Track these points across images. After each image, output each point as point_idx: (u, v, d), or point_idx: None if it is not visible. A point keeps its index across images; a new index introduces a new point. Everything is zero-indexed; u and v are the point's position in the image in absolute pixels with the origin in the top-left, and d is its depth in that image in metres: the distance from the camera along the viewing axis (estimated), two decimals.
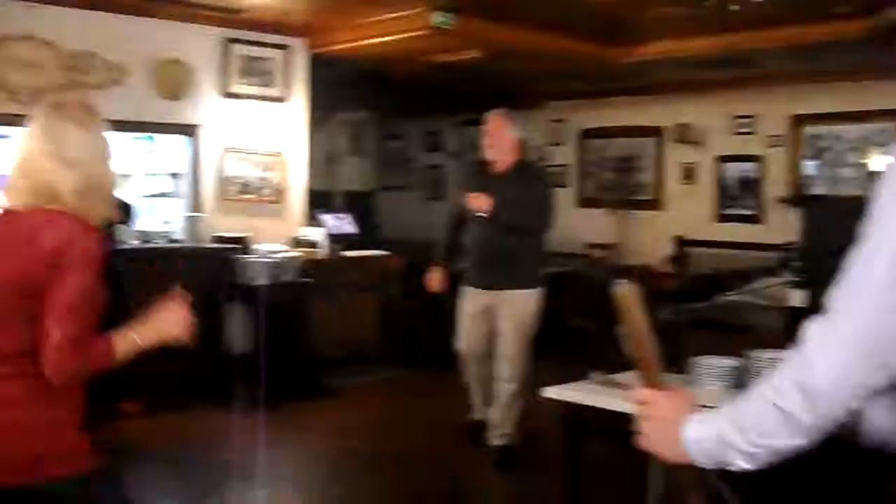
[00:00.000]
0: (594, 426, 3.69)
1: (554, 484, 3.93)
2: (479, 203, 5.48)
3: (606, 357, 4.97)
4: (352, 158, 11.94)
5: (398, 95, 10.36)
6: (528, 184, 5.63)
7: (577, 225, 10.26)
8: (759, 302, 4.20)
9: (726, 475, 1.66)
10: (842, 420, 1.48)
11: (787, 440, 1.51)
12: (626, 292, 1.67)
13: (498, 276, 5.58)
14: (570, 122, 10.60)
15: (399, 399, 7.42)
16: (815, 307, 3.31)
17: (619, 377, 3.80)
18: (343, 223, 8.71)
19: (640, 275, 8.68)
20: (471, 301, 5.74)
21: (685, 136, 9.47)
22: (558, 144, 10.72)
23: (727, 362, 3.67)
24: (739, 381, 3.59)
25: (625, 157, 10.02)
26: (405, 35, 7.26)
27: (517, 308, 5.57)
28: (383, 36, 7.41)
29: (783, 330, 3.77)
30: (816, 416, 1.47)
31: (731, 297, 4.54)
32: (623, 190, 9.87)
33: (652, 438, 1.68)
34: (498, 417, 5.64)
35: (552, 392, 3.74)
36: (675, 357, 4.87)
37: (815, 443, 1.50)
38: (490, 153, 5.68)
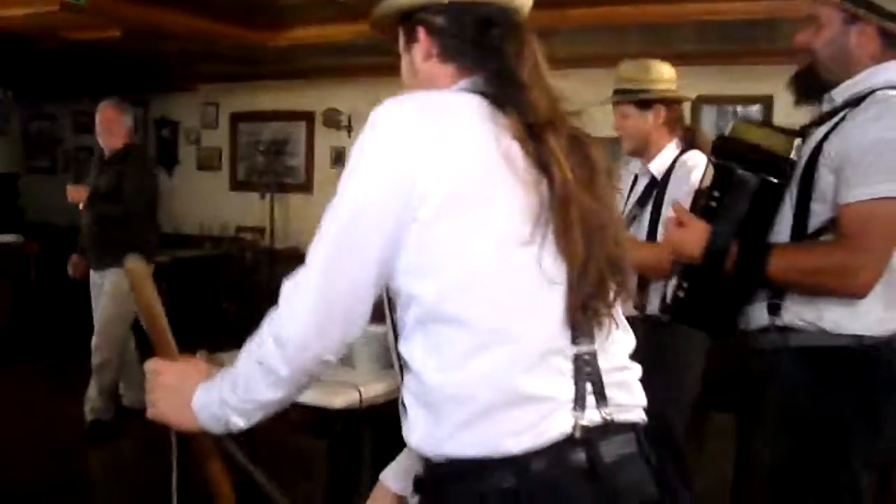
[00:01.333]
0: None
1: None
2: (74, 195, 6.01)
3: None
4: None
5: (44, 74, 9.84)
6: (128, 170, 5.94)
7: (229, 209, 10.25)
8: None
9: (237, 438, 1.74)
10: (315, 371, 1.58)
11: (270, 393, 1.59)
12: (135, 268, 1.72)
13: (100, 256, 5.91)
14: (222, 105, 10.52)
15: (28, 389, 7.13)
16: None
17: (227, 355, 3.85)
18: None
19: (293, 258, 8.80)
20: (91, 282, 6.09)
21: (334, 121, 9.65)
22: (211, 128, 10.62)
23: (381, 329, 3.80)
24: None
25: (276, 140, 10.07)
26: (36, 10, 6.91)
27: (114, 285, 5.84)
28: (12, 8, 7.02)
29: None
30: (291, 366, 1.56)
31: None
32: (275, 174, 9.92)
33: (160, 407, 1.70)
34: (93, 392, 5.98)
35: None
36: None
37: (295, 395, 1.61)
38: (101, 140, 6.04)
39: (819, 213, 2.48)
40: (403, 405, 1.62)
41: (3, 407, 6.49)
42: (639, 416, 1.66)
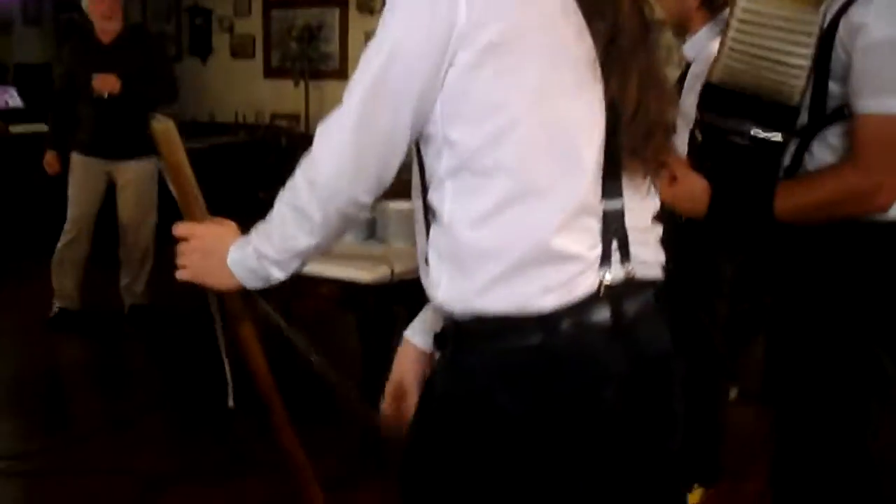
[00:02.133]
0: None
1: None
2: (104, 85, 5.68)
3: None
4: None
5: None
6: (145, 54, 5.83)
7: (264, 96, 10.19)
8: None
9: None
10: (350, 215, 1.57)
11: (306, 240, 1.58)
12: (163, 127, 1.71)
13: (119, 145, 5.82)
14: None
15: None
16: None
17: None
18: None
19: None
20: (86, 170, 5.93)
21: (367, 6, 9.51)
22: (244, 15, 10.50)
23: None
24: (372, 233, 3.77)
25: (310, 26, 9.95)
26: None
27: (146, 172, 5.85)
28: None
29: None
30: (324, 210, 1.54)
31: None
32: (308, 60, 9.83)
33: (196, 269, 1.69)
34: (129, 280, 6.11)
35: None
36: None
37: (331, 241, 1.60)
38: (101, 25, 5.82)
39: (836, 96, 2.31)
40: (426, 261, 1.61)
41: None
42: (658, 273, 1.65)
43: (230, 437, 3.94)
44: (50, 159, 6.06)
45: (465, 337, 1.57)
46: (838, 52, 2.25)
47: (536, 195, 1.50)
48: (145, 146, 5.61)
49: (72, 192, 5.99)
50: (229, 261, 1.65)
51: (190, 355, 5.05)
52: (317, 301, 3.78)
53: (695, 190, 2.38)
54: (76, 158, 6.00)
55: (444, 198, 1.54)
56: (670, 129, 1.62)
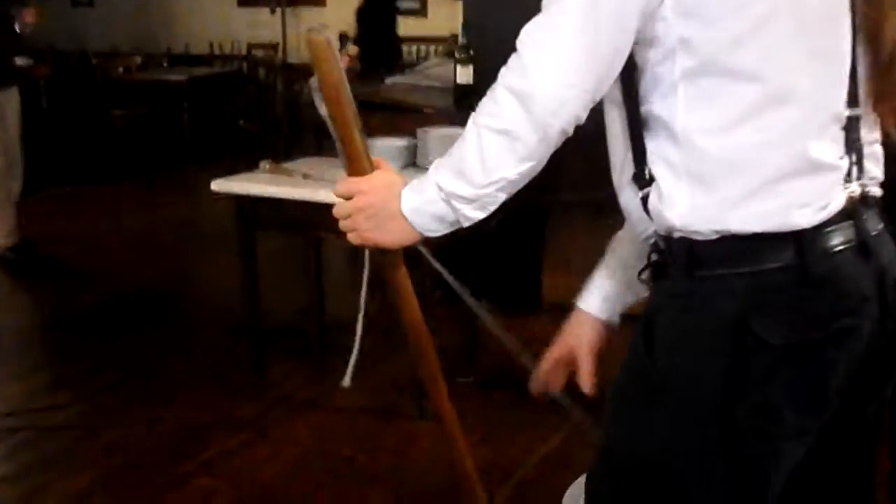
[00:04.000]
0: (267, 217, 3.55)
1: None
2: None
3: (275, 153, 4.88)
4: None
5: None
6: None
7: (239, 26, 9.86)
8: (426, 83, 4.14)
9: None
10: (568, 132, 1.33)
11: (515, 167, 1.34)
12: (321, 40, 1.39)
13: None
14: None
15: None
16: (480, 83, 3.12)
17: (290, 165, 3.66)
18: None
19: (310, 73, 8.51)
20: None
21: None
22: None
23: (400, 142, 3.61)
24: (413, 160, 3.56)
25: None
26: None
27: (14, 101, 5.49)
28: None
29: (452, 107, 3.74)
30: (544, 130, 1.31)
31: (398, 79, 4.46)
32: None
33: (366, 231, 1.44)
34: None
35: (218, 185, 3.53)
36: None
37: (543, 161, 1.35)
38: None
39: None
40: (644, 180, 1.40)
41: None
42: (879, 191, 1.47)
43: (260, 384, 3.75)
44: None
45: (707, 261, 1.37)
46: None
47: (792, 98, 1.31)
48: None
49: None
50: (406, 210, 1.40)
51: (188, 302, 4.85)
52: None
53: None
54: None
55: (678, 105, 1.33)
56: None
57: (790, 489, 1.46)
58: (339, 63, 1.41)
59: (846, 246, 1.35)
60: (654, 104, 1.35)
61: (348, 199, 1.44)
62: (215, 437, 3.32)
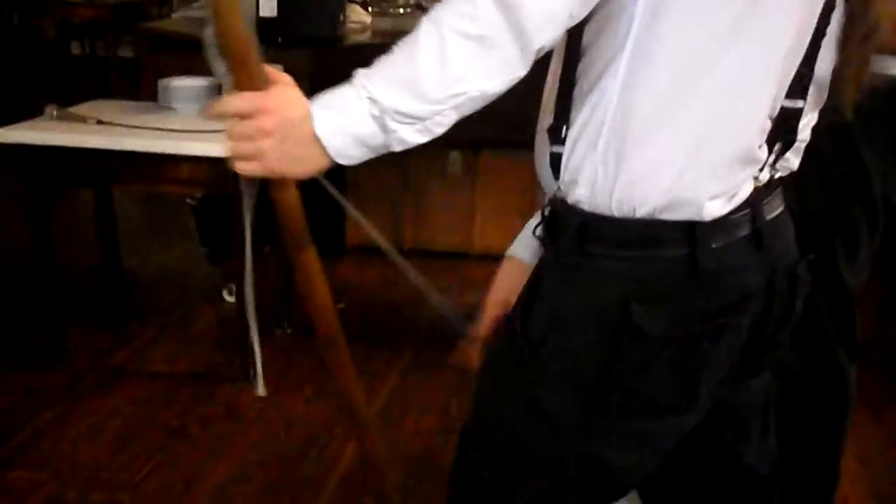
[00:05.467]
0: (56, 170, 3.19)
1: None
2: None
3: None
4: None
5: None
6: None
7: None
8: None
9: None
10: (541, 53, 1.15)
11: (482, 83, 1.13)
12: None
13: None
14: None
15: None
16: (285, 16, 2.81)
17: (78, 109, 3.29)
18: None
19: (51, 5, 7.84)
20: None
21: None
22: None
23: (201, 81, 3.33)
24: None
25: None
26: None
27: None
28: None
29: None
30: (520, 39, 1.11)
31: (188, 12, 4.10)
32: None
33: (272, 156, 1.17)
34: None
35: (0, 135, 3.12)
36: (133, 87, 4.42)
37: (514, 80, 1.15)
38: None
39: None
40: (558, 140, 1.28)
41: None
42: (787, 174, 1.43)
43: (61, 352, 3.39)
44: None
45: (600, 239, 1.28)
46: None
47: (737, 77, 1.22)
48: None
49: None
50: (322, 132, 1.14)
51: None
52: (179, 185, 3.26)
53: None
54: None
55: (624, 49, 1.20)
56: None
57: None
58: (241, 15, 1.16)
59: (739, 237, 1.29)
60: (599, 45, 1.24)
61: (245, 118, 1.16)
62: (22, 416, 2.98)
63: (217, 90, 3.28)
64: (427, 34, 1.12)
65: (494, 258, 1.66)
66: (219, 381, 3.23)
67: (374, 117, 1.13)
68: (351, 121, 1.14)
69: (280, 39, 3.18)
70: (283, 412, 3.05)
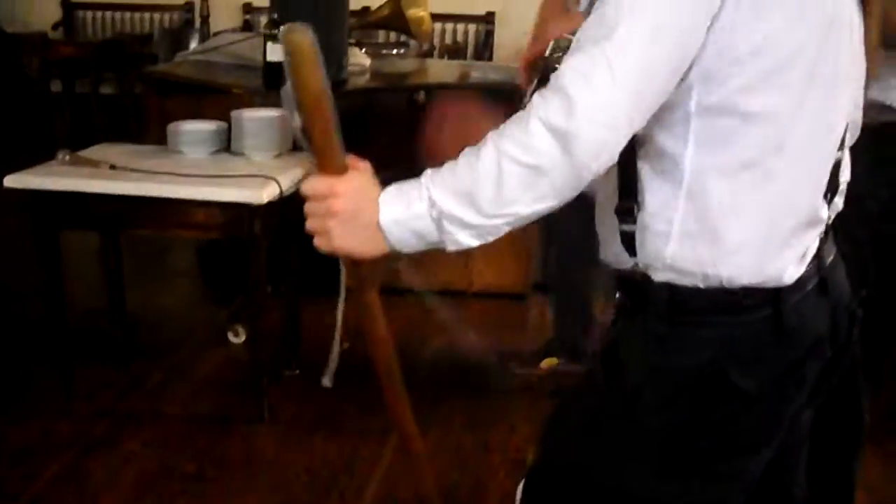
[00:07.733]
0: (70, 214, 3.19)
1: None
2: None
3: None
4: None
5: None
6: None
7: None
8: (226, 60, 3.84)
9: None
10: (600, 173, 1.24)
11: (532, 206, 1.24)
12: (303, 39, 1.20)
13: None
14: None
15: None
16: None
17: (90, 154, 3.30)
18: None
19: (32, 43, 7.83)
20: None
21: None
22: None
23: (209, 125, 3.35)
24: (225, 145, 3.31)
25: None
26: None
27: None
28: None
29: (262, 88, 3.48)
30: (575, 168, 1.21)
31: (189, 56, 4.13)
32: None
33: (337, 237, 1.29)
34: None
35: (14, 181, 3.10)
36: (139, 130, 4.43)
37: (566, 201, 1.26)
38: None
39: None
40: (628, 213, 1.37)
41: None
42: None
43: (70, 397, 3.37)
44: None
45: (689, 308, 1.37)
46: None
47: (800, 148, 1.32)
48: None
49: None
50: (385, 220, 1.27)
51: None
52: (193, 230, 3.27)
53: None
54: None
55: (687, 140, 1.29)
56: None
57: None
58: (319, 66, 1.24)
59: (810, 288, 1.39)
60: (658, 135, 1.31)
61: (320, 200, 1.29)
62: (36, 465, 2.96)
63: (226, 135, 3.31)
64: (487, 155, 1.23)
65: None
66: (233, 423, 3.22)
67: (432, 218, 1.25)
68: (412, 217, 1.26)
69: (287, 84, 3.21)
70: (300, 453, 3.05)
